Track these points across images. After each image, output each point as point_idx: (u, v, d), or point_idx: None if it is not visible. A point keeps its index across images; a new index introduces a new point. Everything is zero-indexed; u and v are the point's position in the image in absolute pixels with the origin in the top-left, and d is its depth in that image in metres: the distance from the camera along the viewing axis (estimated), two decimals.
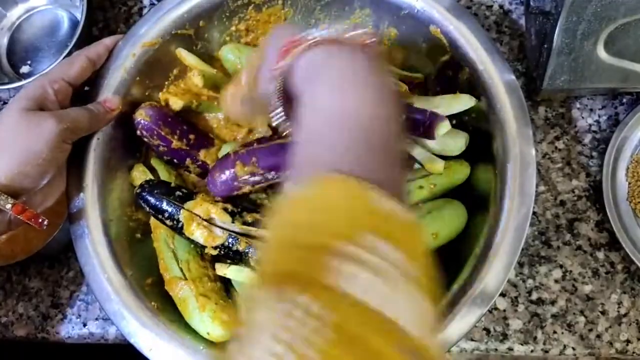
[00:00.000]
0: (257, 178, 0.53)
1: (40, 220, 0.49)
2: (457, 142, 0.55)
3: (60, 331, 0.62)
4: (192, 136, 0.58)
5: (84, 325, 0.62)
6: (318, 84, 0.38)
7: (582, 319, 0.59)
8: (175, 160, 0.58)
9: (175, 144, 0.57)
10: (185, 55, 0.59)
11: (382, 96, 0.37)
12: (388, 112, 0.37)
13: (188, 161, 0.58)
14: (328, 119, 0.36)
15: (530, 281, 0.60)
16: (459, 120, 0.56)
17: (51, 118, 0.48)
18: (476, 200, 0.55)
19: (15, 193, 0.47)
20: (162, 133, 0.56)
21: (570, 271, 0.60)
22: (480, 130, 0.55)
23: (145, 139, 0.57)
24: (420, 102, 0.57)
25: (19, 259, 0.58)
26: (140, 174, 0.58)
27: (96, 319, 0.62)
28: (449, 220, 0.53)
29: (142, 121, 0.56)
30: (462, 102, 0.54)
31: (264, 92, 0.42)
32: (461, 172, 0.56)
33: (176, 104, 0.58)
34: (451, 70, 0.57)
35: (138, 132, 0.56)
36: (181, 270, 0.53)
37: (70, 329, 0.62)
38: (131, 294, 0.51)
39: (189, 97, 0.58)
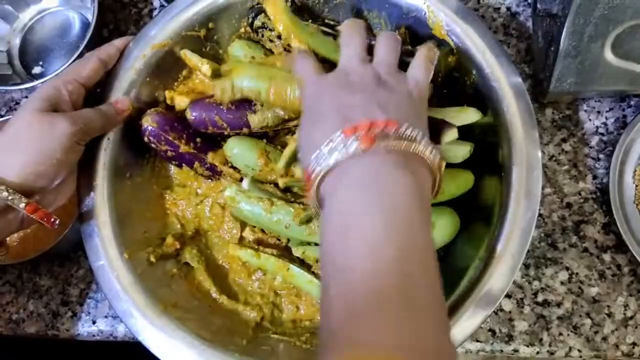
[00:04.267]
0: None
1: (52, 219, 0.50)
2: (461, 150, 0.55)
3: (70, 328, 0.63)
4: (198, 139, 0.58)
5: (94, 322, 0.62)
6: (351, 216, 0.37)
7: (588, 321, 0.59)
8: (183, 165, 0.59)
9: (183, 148, 0.57)
10: (190, 56, 0.59)
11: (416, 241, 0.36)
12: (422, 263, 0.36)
13: (196, 164, 0.58)
14: (355, 282, 0.34)
15: (536, 283, 0.60)
16: (465, 126, 0.56)
17: (65, 119, 0.49)
18: (482, 201, 0.55)
19: (28, 192, 0.48)
20: (170, 138, 0.56)
21: (577, 273, 0.60)
22: (486, 136, 0.55)
23: (153, 145, 0.57)
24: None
25: (30, 257, 0.59)
26: None
27: (105, 317, 0.62)
28: (438, 229, 0.54)
29: (148, 127, 0.56)
30: (469, 116, 0.54)
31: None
32: (465, 181, 0.56)
33: (183, 102, 0.58)
34: (458, 72, 0.57)
35: (145, 139, 0.56)
36: None
37: (80, 327, 0.62)
38: (140, 293, 0.52)
39: (194, 96, 0.59)
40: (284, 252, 0.57)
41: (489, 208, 0.53)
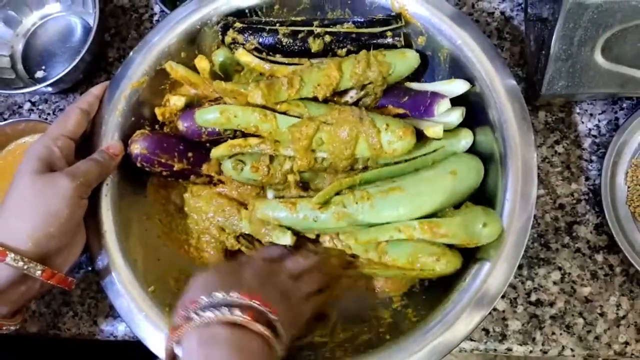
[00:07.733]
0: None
1: (69, 281, 0.51)
2: (453, 117, 0.55)
3: (71, 328, 0.64)
4: (190, 154, 0.58)
5: (94, 322, 0.64)
6: None
7: (581, 320, 0.60)
8: (179, 180, 0.59)
9: (177, 166, 0.57)
10: (175, 67, 0.59)
11: None
12: None
13: (192, 178, 0.59)
14: None
15: (529, 283, 0.61)
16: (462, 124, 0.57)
17: (64, 177, 0.49)
18: (479, 203, 0.56)
19: (43, 256, 0.48)
20: (162, 160, 0.56)
21: (569, 273, 0.61)
22: (483, 143, 0.56)
23: (147, 169, 0.57)
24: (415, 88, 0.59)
25: None
26: None
27: (106, 317, 0.64)
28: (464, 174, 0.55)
29: (139, 153, 0.55)
30: (457, 87, 0.56)
31: None
32: (463, 137, 0.56)
33: (179, 101, 0.58)
34: (431, 52, 0.58)
35: (138, 164, 0.56)
36: None
37: (81, 326, 0.64)
38: (140, 294, 0.53)
39: (189, 98, 0.59)
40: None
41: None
